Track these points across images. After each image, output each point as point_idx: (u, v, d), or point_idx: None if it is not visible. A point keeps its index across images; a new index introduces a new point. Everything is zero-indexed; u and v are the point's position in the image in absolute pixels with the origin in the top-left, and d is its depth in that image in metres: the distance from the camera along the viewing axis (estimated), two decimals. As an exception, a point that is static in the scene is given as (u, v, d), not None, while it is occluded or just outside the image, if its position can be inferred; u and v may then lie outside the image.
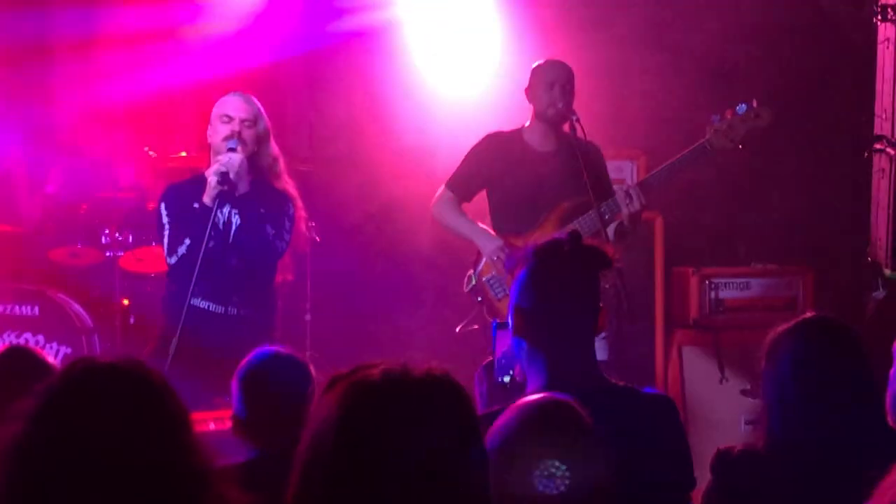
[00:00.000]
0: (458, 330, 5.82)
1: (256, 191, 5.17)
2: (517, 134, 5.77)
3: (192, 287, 4.84)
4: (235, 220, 5.11)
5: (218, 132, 5.13)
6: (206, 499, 1.74)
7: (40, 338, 6.65)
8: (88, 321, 6.92)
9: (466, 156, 5.81)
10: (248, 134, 5.12)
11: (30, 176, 7.62)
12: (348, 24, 7.59)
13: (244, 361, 3.46)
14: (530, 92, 5.72)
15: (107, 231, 7.10)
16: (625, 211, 5.46)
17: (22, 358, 3.14)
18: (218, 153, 5.11)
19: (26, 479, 1.69)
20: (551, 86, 5.62)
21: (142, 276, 7.24)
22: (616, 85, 7.34)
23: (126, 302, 7.23)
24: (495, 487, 1.85)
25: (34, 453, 1.70)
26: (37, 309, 6.80)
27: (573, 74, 5.70)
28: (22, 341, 6.71)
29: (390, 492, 1.69)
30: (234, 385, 3.41)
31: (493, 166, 5.73)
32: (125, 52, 7.74)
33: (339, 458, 1.72)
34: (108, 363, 1.82)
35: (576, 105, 5.63)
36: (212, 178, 4.98)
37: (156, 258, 7.21)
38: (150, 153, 7.27)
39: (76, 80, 7.85)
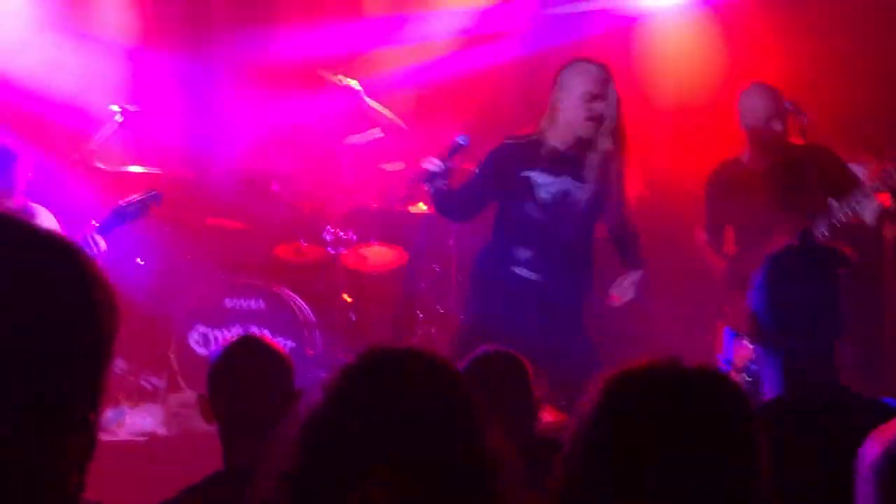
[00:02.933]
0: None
1: None
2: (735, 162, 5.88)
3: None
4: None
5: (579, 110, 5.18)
6: (497, 492, 1.73)
7: (266, 331, 6.82)
8: (311, 316, 7.08)
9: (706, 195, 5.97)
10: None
11: (257, 174, 7.85)
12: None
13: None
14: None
15: (330, 228, 7.25)
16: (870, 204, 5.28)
17: (256, 346, 3.21)
18: (570, 125, 5.18)
19: (320, 456, 1.71)
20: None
21: (363, 274, 7.38)
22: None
23: (348, 298, 7.38)
24: None
25: (330, 432, 1.73)
26: (263, 303, 7.01)
27: None
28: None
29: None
30: None
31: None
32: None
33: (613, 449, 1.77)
34: (406, 348, 1.84)
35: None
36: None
37: (377, 256, 7.35)
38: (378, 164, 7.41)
39: (301, 85, 8.05)
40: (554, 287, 5.26)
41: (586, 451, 1.83)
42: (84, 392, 1.22)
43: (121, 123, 6.77)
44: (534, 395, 3.53)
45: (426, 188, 5.28)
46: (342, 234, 7.26)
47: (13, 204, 5.78)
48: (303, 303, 7.13)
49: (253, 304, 7.00)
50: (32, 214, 5.83)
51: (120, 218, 5.72)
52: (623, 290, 5.41)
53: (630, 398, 1.83)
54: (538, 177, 5.25)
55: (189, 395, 6.65)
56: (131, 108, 6.81)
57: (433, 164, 5.21)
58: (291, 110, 7.94)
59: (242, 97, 7.96)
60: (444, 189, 5.21)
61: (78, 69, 7.70)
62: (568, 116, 5.23)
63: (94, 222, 5.67)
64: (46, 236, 1.22)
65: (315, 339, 6.96)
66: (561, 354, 5.10)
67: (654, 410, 1.80)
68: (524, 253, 5.29)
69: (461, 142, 5.28)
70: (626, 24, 7.81)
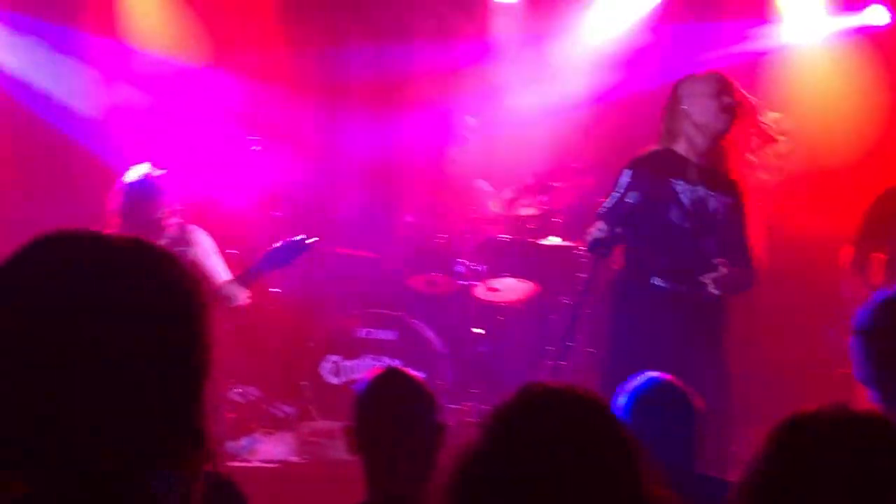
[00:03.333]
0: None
1: None
2: None
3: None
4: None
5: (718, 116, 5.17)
6: None
7: (397, 362, 6.83)
8: (442, 348, 7.07)
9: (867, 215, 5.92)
10: None
11: (388, 205, 7.90)
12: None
13: None
14: None
15: (463, 261, 7.24)
16: None
17: (401, 378, 3.20)
18: (707, 126, 5.15)
19: (478, 492, 1.68)
20: None
21: (495, 307, 7.34)
22: None
23: (479, 331, 7.35)
24: None
25: (488, 473, 1.70)
26: (395, 334, 7.03)
27: None
28: (380, 365, 6.95)
29: None
30: None
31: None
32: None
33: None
34: (563, 387, 1.80)
35: None
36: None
37: (509, 289, 7.30)
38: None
39: (431, 113, 8.09)
40: (695, 299, 5.15)
41: (758, 500, 1.76)
42: (195, 404, 1.23)
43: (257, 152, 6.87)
44: (695, 430, 3.45)
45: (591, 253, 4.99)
46: (475, 266, 7.24)
47: (169, 230, 5.85)
48: (434, 334, 7.13)
49: (385, 334, 7.03)
50: (189, 236, 5.88)
51: (268, 267, 5.82)
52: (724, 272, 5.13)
53: (803, 445, 1.76)
54: (676, 185, 5.20)
55: (321, 424, 6.68)
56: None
57: (601, 230, 4.96)
58: (424, 140, 7.98)
59: (373, 119, 8.01)
60: (607, 256, 5.02)
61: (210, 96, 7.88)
62: (701, 118, 5.18)
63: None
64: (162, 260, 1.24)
65: (446, 371, 6.94)
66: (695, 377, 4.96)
67: (828, 458, 1.73)
68: (663, 264, 5.21)
69: (631, 201, 5.01)
70: (754, 59, 7.64)
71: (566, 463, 1.68)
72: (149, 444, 1.19)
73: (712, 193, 5.19)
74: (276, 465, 6.47)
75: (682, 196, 5.17)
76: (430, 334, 7.11)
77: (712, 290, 5.05)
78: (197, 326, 1.23)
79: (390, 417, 3.08)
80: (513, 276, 7.31)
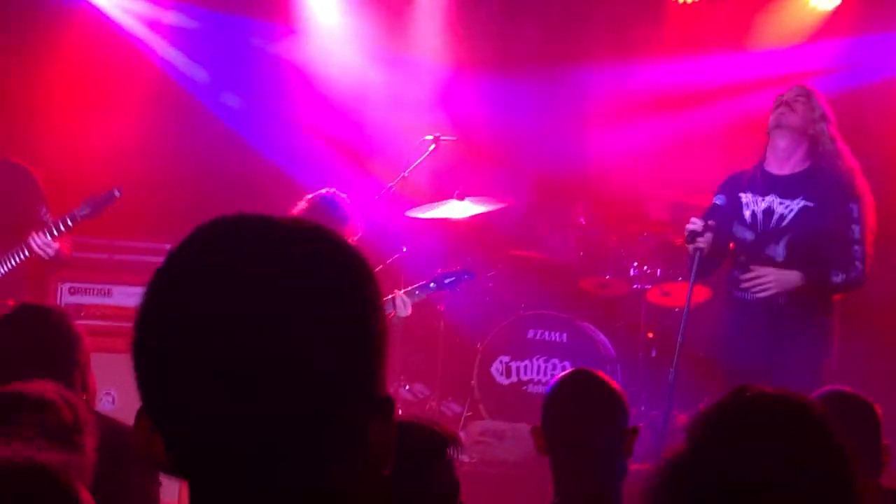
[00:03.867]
0: None
1: None
2: None
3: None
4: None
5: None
6: None
7: (567, 364, 6.82)
8: (612, 351, 7.03)
9: None
10: None
11: (561, 207, 7.89)
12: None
13: None
14: None
15: (635, 264, 7.19)
16: None
17: (591, 380, 3.18)
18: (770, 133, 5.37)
19: (684, 498, 1.67)
20: None
21: (667, 310, 7.26)
22: None
23: (650, 335, 7.27)
24: None
25: (697, 483, 1.68)
26: (565, 336, 7.01)
27: None
28: (550, 366, 6.96)
29: None
30: None
31: None
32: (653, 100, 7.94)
33: None
34: (773, 392, 1.78)
35: None
36: None
37: (681, 293, 7.20)
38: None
39: (608, 121, 8.06)
40: (767, 306, 5.27)
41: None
42: (381, 376, 1.22)
43: (432, 152, 6.91)
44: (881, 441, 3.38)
45: (688, 247, 5.33)
46: (648, 269, 7.18)
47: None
48: (604, 337, 7.09)
49: (556, 336, 7.02)
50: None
51: (433, 289, 5.93)
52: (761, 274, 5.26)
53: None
54: (744, 198, 5.37)
55: (490, 424, 6.72)
56: (447, 138, 6.94)
57: (693, 223, 5.29)
58: (597, 143, 7.96)
59: (550, 127, 8.01)
60: (704, 247, 5.25)
61: (393, 93, 7.99)
62: (769, 126, 5.41)
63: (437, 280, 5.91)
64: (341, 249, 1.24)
65: (616, 374, 6.89)
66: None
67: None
68: (734, 275, 5.42)
69: (718, 202, 5.37)
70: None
71: (776, 470, 1.65)
72: (342, 418, 1.19)
73: (785, 201, 5.29)
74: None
75: (745, 209, 5.35)
76: (600, 337, 7.07)
77: (756, 293, 5.23)
78: (375, 300, 1.23)
79: (579, 419, 3.07)
80: (686, 280, 7.19)
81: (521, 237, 7.74)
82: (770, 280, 5.21)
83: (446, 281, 5.93)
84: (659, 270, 7.17)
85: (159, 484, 3.46)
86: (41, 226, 5.70)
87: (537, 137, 8.05)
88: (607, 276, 7.30)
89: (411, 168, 6.79)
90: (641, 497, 1.73)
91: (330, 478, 1.19)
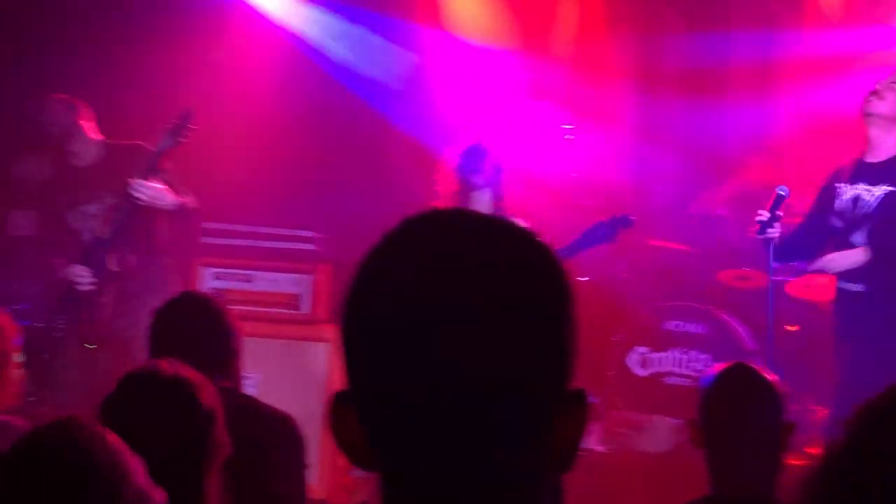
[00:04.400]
0: None
1: None
2: None
3: None
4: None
5: None
6: None
7: (707, 356, 6.73)
8: (753, 344, 6.90)
9: None
10: None
11: (701, 197, 7.78)
12: None
13: None
14: None
15: (776, 255, 7.03)
16: None
17: (748, 374, 3.14)
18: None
19: (841, 495, 1.63)
20: None
21: (809, 303, 7.10)
22: None
23: (792, 328, 7.12)
24: None
25: (848, 471, 1.64)
26: (704, 327, 6.92)
27: None
28: (687, 358, 6.87)
29: None
30: None
31: None
32: (801, 77, 7.73)
33: None
34: None
35: None
36: None
37: (825, 286, 7.03)
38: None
39: (749, 104, 7.91)
40: (860, 294, 5.39)
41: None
42: (573, 371, 1.24)
43: (572, 140, 6.88)
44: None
45: (760, 238, 5.58)
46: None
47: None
48: (745, 329, 6.97)
49: (694, 327, 6.93)
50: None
51: (590, 241, 5.73)
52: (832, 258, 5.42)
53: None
54: (838, 189, 5.46)
55: (627, 415, 6.67)
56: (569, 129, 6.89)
57: (760, 215, 5.52)
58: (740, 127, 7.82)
59: (689, 108, 7.90)
60: (775, 237, 5.52)
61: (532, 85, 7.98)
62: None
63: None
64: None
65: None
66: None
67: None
68: None
69: (781, 192, 5.53)
70: None
71: None
72: (544, 411, 1.20)
73: (870, 188, 5.35)
74: (581, 454, 6.49)
75: (837, 199, 5.43)
76: (740, 329, 6.96)
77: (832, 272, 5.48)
78: (574, 297, 1.24)
79: (739, 412, 3.03)
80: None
81: (660, 227, 7.65)
82: (833, 259, 5.42)
83: (600, 232, 5.74)
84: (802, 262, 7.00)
85: (306, 466, 3.51)
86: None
87: (678, 125, 7.94)
88: (747, 268, 7.17)
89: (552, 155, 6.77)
90: (798, 492, 1.69)
91: (521, 471, 1.20)
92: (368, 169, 7.91)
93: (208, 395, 2.56)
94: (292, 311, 6.43)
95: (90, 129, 6.13)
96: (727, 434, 3.02)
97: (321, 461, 5.63)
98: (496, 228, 1.22)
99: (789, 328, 7.13)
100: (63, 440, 1.89)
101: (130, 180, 5.64)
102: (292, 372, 6.08)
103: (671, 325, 6.96)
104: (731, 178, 7.81)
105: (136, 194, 5.66)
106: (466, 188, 5.72)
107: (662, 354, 6.91)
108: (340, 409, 1.23)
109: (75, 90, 6.37)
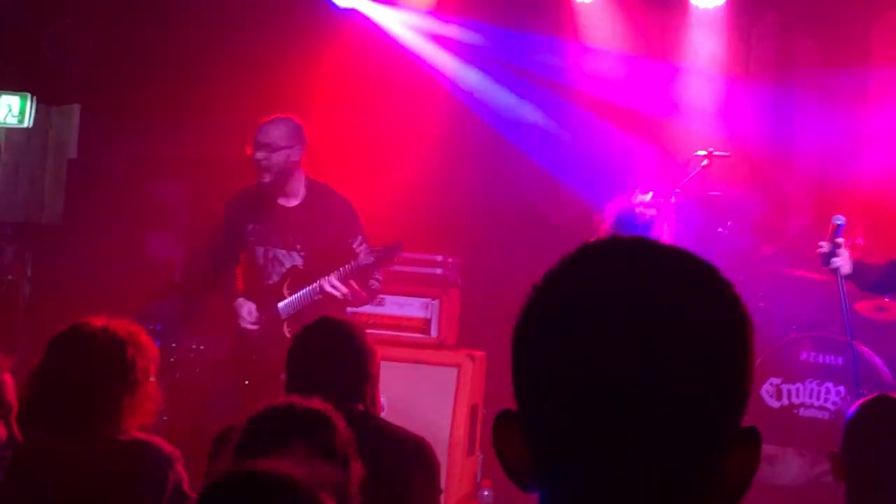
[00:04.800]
0: None
1: None
2: None
3: None
4: None
5: None
6: None
7: (842, 388, 6.57)
8: (891, 376, 6.71)
9: None
10: None
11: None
12: None
13: None
14: None
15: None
16: None
17: (891, 407, 3.07)
18: None
19: None
20: None
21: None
22: None
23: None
24: None
25: None
26: (841, 359, 6.75)
27: None
28: (823, 390, 6.71)
29: None
30: None
31: None
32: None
33: None
34: None
35: None
36: None
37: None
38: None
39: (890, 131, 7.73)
40: None
41: None
42: (741, 412, 1.22)
43: (705, 167, 6.76)
44: None
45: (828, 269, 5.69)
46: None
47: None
48: (882, 362, 6.78)
49: (831, 359, 6.77)
50: None
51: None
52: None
53: None
54: None
55: (762, 448, 6.51)
56: (720, 153, 6.79)
57: (821, 247, 5.63)
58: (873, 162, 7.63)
59: (825, 139, 7.75)
60: (841, 266, 5.63)
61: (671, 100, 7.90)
62: None
63: None
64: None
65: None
66: None
67: None
68: None
69: (838, 222, 5.61)
70: None
71: None
72: (711, 450, 1.19)
73: None
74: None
75: None
76: (878, 361, 6.76)
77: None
78: (751, 341, 1.22)
79: (882, 447, 2.96)
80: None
81: (800, 257, 7.49)
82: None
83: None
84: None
85: (440, 490, 3.51)
86: (345, 259, 5.69)
87: (815, 152, 7.79)
88: (886, 299, 6.99)
89: (685, 181, 6.66)
90: None
91: (688, 498, 1.19)
92: (498, 194, 7.92)
93: (341, 429, 2.58)
94: (422, 336, 6.45)
95: (304, 163, 5.91)
96: (871, 468, 2.95)
97: (448, 485, 5.63)
98: (675, 254, 1.22)
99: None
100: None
101: (329, 278, 5.60)
102: (420, 396, 6.09)
103: (806, 355, 6.81)
104: (870, 206, 7.62)
105: (331, 291, 5.61)
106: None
107: (797, 386, 6.76)
108: (506, 427, 1.23)
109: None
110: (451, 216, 7.53)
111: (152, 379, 3.30)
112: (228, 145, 6.40)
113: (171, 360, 6.94)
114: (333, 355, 3.45)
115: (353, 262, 5.66)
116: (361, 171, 7.47)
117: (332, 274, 5.63)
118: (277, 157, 5.75)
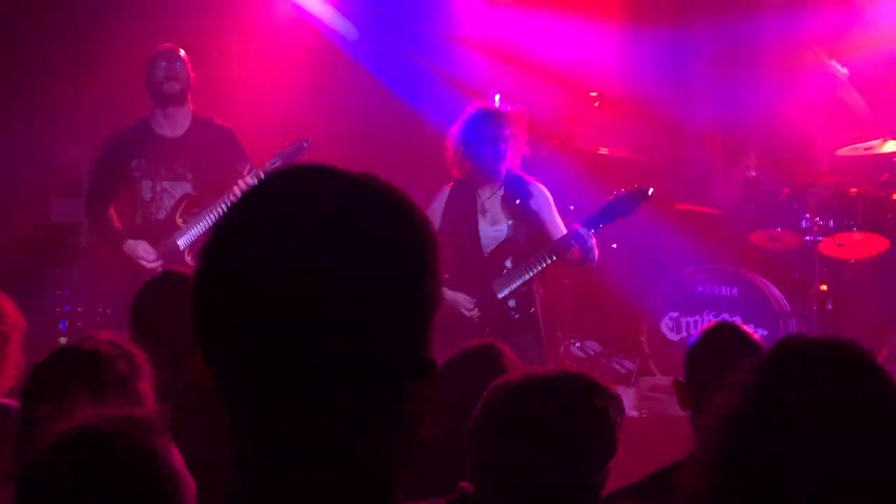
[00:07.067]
0: None
1: None
2: None
3: None
4: None
5: None
6: None
7: (737, 318, 6.73)
8: (786, 305, 6.92)
9: None
10: None
11: (729, 160, 7.77)
12: None
13: None
14: None
15: (807, 216, 7.02)
16: None
17: (732, 333, 3.18)
18: None
19: (740, 449, 1.70)
20: None
21: (841, 262, 7.10)
22: None
23: (824, 287, 7.12)
24: None
25: (749, 427, 1.71)
26: (736, 290, 6.94)
27: None
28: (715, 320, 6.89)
29: None
30: None
31: None
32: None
33: None
34: (829, 339, 1.79)
35: None
36: None
37: (857, 244, 7.01)
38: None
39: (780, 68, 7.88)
40: None
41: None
42: (427, 338, 1.22)
43: (597, 109, 6.87)
44: None
45: None
46: (821, 221, 7.00)
47: (508, 180, 5.87)
48: (777, 291, 6.98)
49: (726, 290, 6.95)
50: (529, 188, 5.83)
51: (610, 215, 5.68)
52: None
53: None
54: None
55: (660, 380, 6.71)
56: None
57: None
58: (767, 94, 7.78)
59: (720, 78, 7.89)
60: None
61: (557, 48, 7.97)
62: None
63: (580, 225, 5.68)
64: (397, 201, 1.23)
65: (790, 328, 6.79)
66: None
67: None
68: None
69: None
70: None
71: (830, 420, 1.66)
72: (384, 375, 1.19)
73: None
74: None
75: None
76: (773, 291, 6.97)
77: None
78: (431, 261, 1.22)
79: (718, 373, 3.03)
80: (861, 231, 7.00)
81: (688, 191, 7.66)
82: None
83: (619, 207, 5.66)
84: (832, 221, 6.98)
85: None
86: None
87: (708, 89, 7.93)
88: (778, 229, 7.16)
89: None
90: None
91: (366, 436, 1.20)
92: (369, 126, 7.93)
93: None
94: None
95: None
96: (708, 394, 3.01)
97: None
98: (346, 188, 1.21)
99: (823, 287, 7.12)
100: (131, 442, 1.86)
101: (237, 189, 5.56)
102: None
103: (702, 288, 6.99)
104: (760, 139, 7.78)
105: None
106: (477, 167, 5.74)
107: (695, 318, 6.94)
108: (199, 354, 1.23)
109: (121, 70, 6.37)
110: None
111: (16, 342, 3.31)
112: (129, 107, 6.34)
113: (78, 325, 6.94)
114: (177, 310, 3.38)
115: (260, 169, 5.68)
116: (240, 105, 7.41)
117: (239, 184, 5.62)
118: (182, 67, 5.92)
